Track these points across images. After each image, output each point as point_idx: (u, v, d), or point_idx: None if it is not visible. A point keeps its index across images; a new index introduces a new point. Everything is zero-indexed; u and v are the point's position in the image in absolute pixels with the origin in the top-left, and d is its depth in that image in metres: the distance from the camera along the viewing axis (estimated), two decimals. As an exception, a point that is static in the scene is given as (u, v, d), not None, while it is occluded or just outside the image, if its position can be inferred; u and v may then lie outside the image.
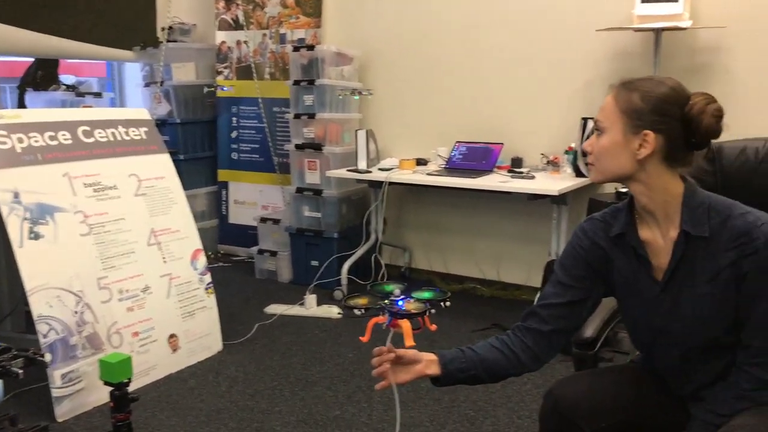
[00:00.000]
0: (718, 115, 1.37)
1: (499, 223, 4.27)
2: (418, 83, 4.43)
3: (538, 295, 3.49)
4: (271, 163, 4.92)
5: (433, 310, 1.46)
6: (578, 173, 3.67)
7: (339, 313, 3.84)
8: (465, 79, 4.26)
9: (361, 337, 1.48)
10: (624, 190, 3.45)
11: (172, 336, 3.13)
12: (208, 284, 3.35)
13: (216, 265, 4.90)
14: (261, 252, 4.61)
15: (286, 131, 4.70)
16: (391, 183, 3.93)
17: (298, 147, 4.42)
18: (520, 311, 4.20)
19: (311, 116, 4.34)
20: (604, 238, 1.54)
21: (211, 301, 3.36)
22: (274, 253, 4.55)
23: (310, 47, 4.35)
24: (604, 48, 3.79)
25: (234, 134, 5.09)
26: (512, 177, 3.70)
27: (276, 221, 4.60)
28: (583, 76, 3.88)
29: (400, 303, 1.46)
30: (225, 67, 5.04)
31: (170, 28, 4.92)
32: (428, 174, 3.89)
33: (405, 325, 1.42)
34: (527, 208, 4.00)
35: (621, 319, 1.70)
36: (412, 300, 1.48)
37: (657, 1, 3.34)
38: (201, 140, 5.12)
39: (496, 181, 3.63)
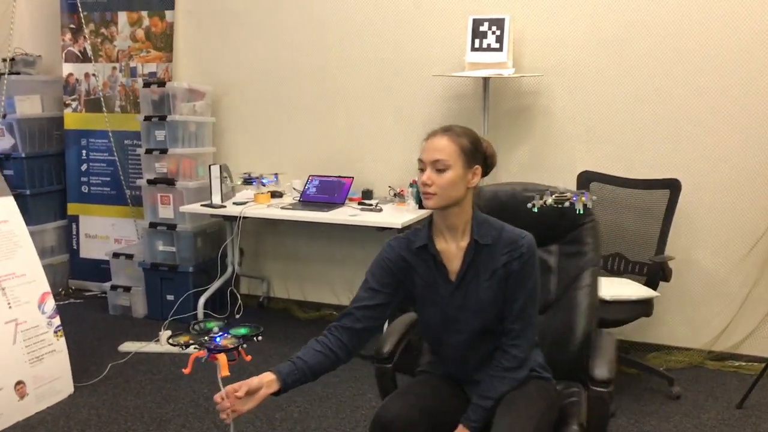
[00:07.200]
0: (495, 154, 1.94)
1: (351, 251, 4.48)
2: (272, 118, 4.57)
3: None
4: (124, 196, 4.87)
5: (245, 345, 1.72)
6: (421, 205, 3.95)
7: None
8: (317, 115, 4.46)
9: (183, 369, 1.74)
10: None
11: (18, 383, 3.07)
12: (57, 327, 3.30)
13: (67, 301, 4.79)
14: (114, 287, 4.55)
15: (139, 164, 4.68)
16: (245, 217, 4.03)
17: (150, 182, 4.41)
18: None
19: (163, 152, 4.36)
20: (407, 251, 1.95)
21: (61, 344, 3.31)
22: (128, 289, 4.51)
23: (161, 83, 4.37)
24: (441, 90, 4.12)
25: (84, 167, 4.99)
26: (362, 210, 3.92)
27: (129, 256, 4.55)
28: (423, 116, 4.18)
29: (217, 339, 1.72)
30: (73, 100, 4.94)
31: (12, 59, 4.76)
32: (282, 207, 4.02)
33: (221, 358, 1.68)
34: (377, 237, 4.22)
35: (417, 322, 2.08)
36: (228, 336, 1.74)
37: (485, 50, 3.68)
38: (48, 174, 4.97)
39: (346, 214, 3.83)
